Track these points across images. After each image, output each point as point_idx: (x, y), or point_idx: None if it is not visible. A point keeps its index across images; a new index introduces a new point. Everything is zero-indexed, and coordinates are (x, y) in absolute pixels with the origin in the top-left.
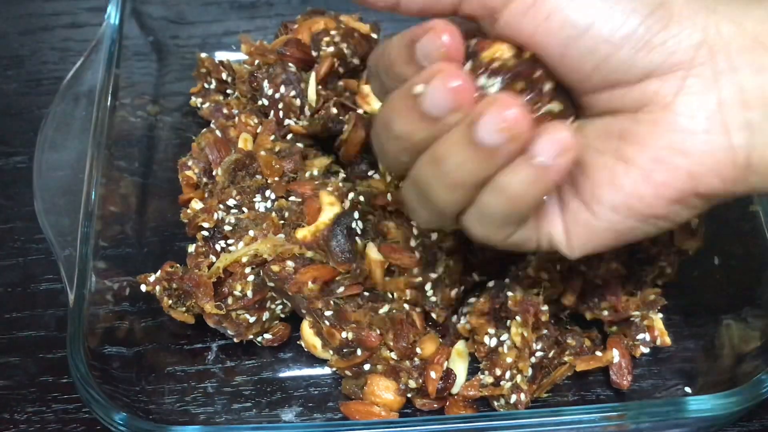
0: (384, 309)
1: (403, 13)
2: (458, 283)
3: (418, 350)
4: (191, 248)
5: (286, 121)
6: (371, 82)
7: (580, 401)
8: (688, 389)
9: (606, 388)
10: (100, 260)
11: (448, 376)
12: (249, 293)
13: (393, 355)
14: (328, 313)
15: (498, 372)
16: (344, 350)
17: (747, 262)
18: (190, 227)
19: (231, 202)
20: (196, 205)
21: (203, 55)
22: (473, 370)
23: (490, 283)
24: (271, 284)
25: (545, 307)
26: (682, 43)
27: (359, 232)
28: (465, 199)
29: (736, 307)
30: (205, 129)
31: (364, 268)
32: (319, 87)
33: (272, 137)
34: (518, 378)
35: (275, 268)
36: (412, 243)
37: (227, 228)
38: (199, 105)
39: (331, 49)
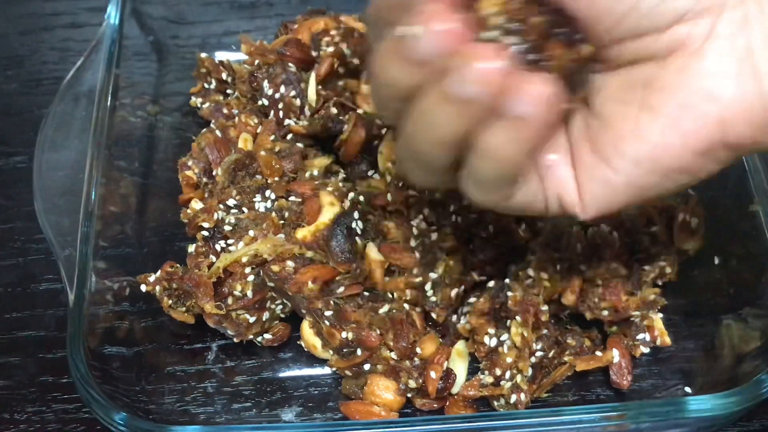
0: (384, 309)
1: None
2: (458, 283)
3: (418, 350)
4: (191, 248)
5: (286, 121)
6: (371, 36)
7: (580, 401)
8: (688, 389)
9: (606, 388)
10: (100, 260)
11: (448, 376)
12: (249, 293)
13: (393, 355)
14: (328, 313)
15: (498, 372)
16: (344, 350)
17: (747, 262)
18: (190, 227)
19: (231, 202)
20: (196, 205)
21: (203, 55)
22: (473, 370)
23: (490, 283)
24: (271, 284)
25: (545, 307)
26: None
27: (359, 232)
28: (452, 155)
29: (736, 307)
30: (205, 129)
31: (364, 268)
32: (319, 87)
33: (272, 137)
34: (518, 378)
35: (275, 268)
36: (412, 243)
37: (227, 228)
38: (199, 105)
39: (331, 49)
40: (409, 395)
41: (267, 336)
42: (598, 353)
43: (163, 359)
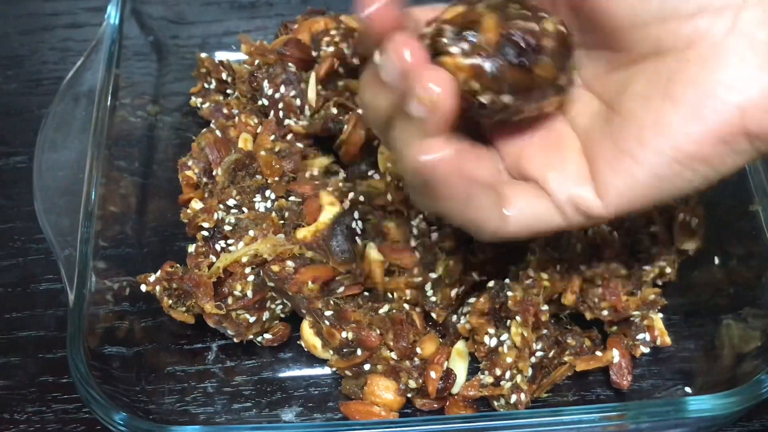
0: (384, 309)
1: None
2: (458, 283)
3: (418, 350)
4: (191, 248)
5: (286, 121)
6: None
7: (580, 401)
8: (688, 389)
9: (606, 388)
10: (100, 260)
11: (448, 376)
12: (249, 293)
13: (393, 355)
14: (328, 313)
15: (498, 372)
16: (344, 350)
17: (747, 262)
18: (190, 227)
19: (231, 202)
20: (196, 205)
21: (203, 55)
22: (473, 370)
23: (490, 283)
24: (271, 284)
25: (545, 307)
26: None
27: (359, 232)
28: None
29: (736, 307)
30: (205, 129)
31: (364, 268)
32: (319, 87)
33: (272, 137)
34: (518, 378)
35: (275, 268)
36: (412, 243)
37: (227, 228)
38: (199, 105)
39: (331, 49)
40: (409, 395)
41: (267, 336)
42: (598, 353)
43: (163, 359)
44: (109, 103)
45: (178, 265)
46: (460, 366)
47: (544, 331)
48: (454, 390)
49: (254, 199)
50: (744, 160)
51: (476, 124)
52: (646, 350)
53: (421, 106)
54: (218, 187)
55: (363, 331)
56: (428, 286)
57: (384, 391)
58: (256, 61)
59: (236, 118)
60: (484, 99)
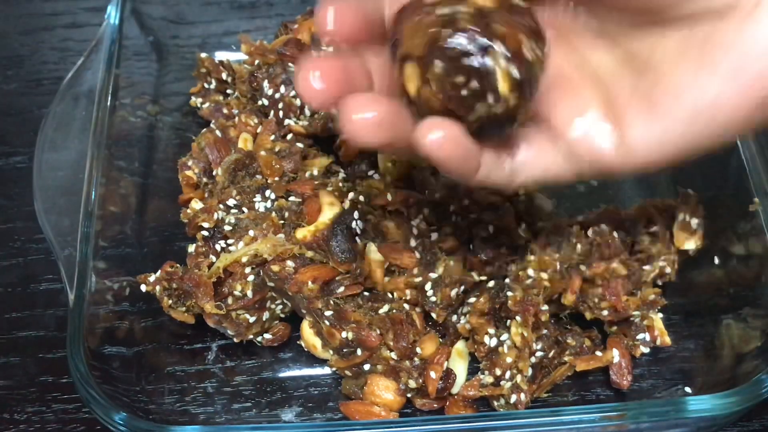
0: (384, 309)
1: None
2: (458, 283)
3: (418, 350)
4: (191, 248)
5: (286, 121)
6: None
7: (580, 401)
8: (688, 389)
9: (606, 388)
10: (100, 260)
11: (448, 376)
12: (249, 293)
13: (393, 355)
14: (328, 313)
15: (498, 372)
16: (344, 350)
17: (747, 262)
18: (190, 227)
19: (231, 202)
20: (196, 205)
21: (203, 55)
22: (473, 370)
23: (490, 283)
24: (271, 284)
25: (545, 307)
26: None
27: (359, 232)
28: None
29: (736, 307)
30: (205, 129)
31: (364, 268)
32: None
33: (272, 137)
34: (518, 378)
35: (275, 268)
36: (412, 243)
37: (227, 228)
38: (199, 105)
39: (331, 49)
40: (409, 395)
41: (267, 336)
42: (598, 353)
43: (163, 359)
44: (109, 103)
45: (178, 265)
46: (460, 366)
47: (544, 331)
48: (454, 390)
49: (254, 199)
50: None
51: None
52: (646, 350)
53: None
54: (218, 187)
55: (363, 331)
56: (428, 286)
57: (384, 391)
58: (256, 61)
59: (236, 118)
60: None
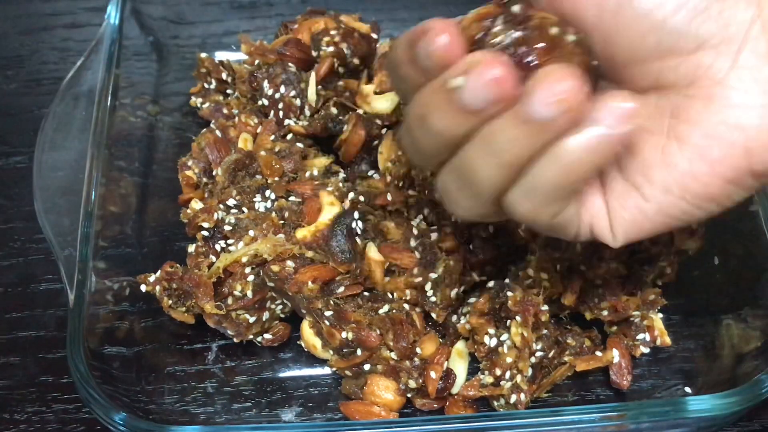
0: (384, 309)
1: None
2: (458, 283)
3: (418, 350)
4: (191, 248)
5: (286, 121)
6: (392, 81)
7: (580, 401)
8: (688, 389)
9: (606, 388)
10: (100, 260)
11: (448, 376)
12: (249, 293)
13: (393, 355)
14: (328, 313)
15: (498, 372)
16: (344, 350)
17: (747, 262)
18: (190, 227)
19: (231, 202)
20: (196, 205)
21: (203, 55)
22: (473, 370)
23: (490, 283)
24: (271, 284)
25: (545, 307)
26: (737, 17)
27: (359, 232)
28: (512, 177)
29: (736, 307)
30: (205, 129)
31: (364, 268)
32: (319, 87)
33: (272, 137)
34: (518, 378)
35: (275, 268)
36: (412, 243)
37: (227, 228)
38: (199, 105)
39: (331, 49)
40: (409, 395)
41: (267, 336)
42: (598, 353)
43: (163, 359)
44: (109, 103)
45: (178, 265)
46: (460, 366)
47: (544, 331)
48: (454, 390)
49: (254, 199)
50: (749, 193)
51: None
52: (646, 350)
53: (552, 107)
54: (218, 187)
55: (363, 331)
56: (428, 286)
57: (384, 391)
58: (256, 61)
59: (236, 118)
60: None
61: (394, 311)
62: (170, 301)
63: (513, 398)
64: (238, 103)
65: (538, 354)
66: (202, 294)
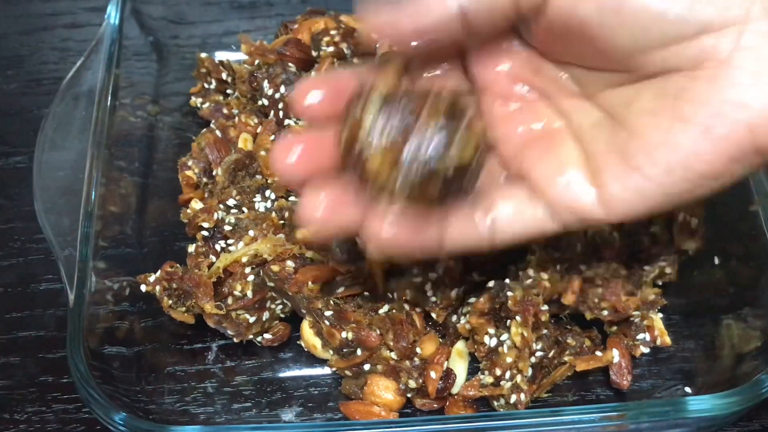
0: (384, 309)
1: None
2: (458, 283)
3: (418, 350)
4: (191, 248)
5: (286, 121)
6: None
7: (580, 401)
8: (688, 389)
9: (606, 388)
10: (100, 260)
11: (448, 376)
12: (249, 293)
13: (393, 355)
14: (328, 313)
15: (498, 372)
16: (344, 350)
17: (747, 262)
18: (190, 227)
19: (231, 202)
20: (196, 205)
21: (203, 55)
22: (473, 370)
23: (490, 283)
24: (271, 284)
25: (545, 307)
26: None
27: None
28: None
29: (736, 307)
30: (205, 129)
31: (364, 268)
32: None
33: (272, 137)
34: (518, 378)
35: (275, 268)
36: None
37: (227, 228)
38: (199, 105)
39: (331, 49)
40: (409, 395)
41: (267, 336)
42: (598, 353)
43: (163, 359)
44: (109, 103)
45: (178, 265)
46: (460, 366)
47: (544, 331)
48: (454, 390)
49: (254, 199)
50: (752, 170)
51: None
52: (646, 350)
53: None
54: (218, 187)
55: (363, 331)
56: (428, 286)
57: (384, 391)
58: (256, 61)
59: (236, 118)
60: None
61: (394, 311)
62: (170, 301)
63: (513, 398)
64: (238, 103)
65: (538, 354)
66: (202, 294)
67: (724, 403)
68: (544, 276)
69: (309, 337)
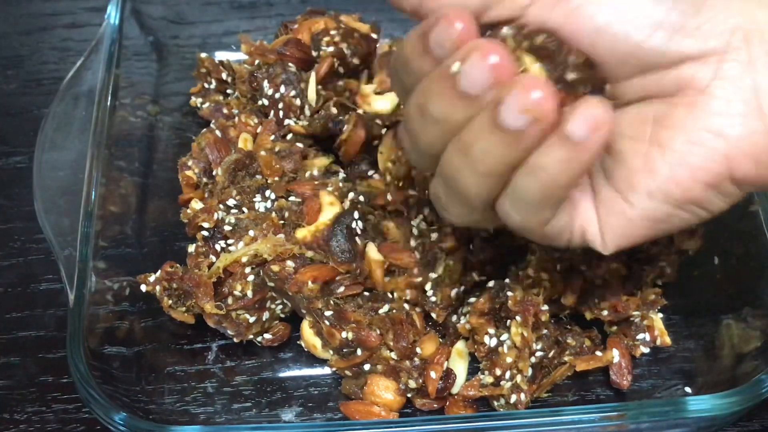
0: (384, 309)
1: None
2: (458, 283)
3: (418, 350)
4: (191, 248)
5: (286, 121)
6: (393, 85)
7: (580, 401)
8: (688, 389)
9: (606, 388)
10: (100, 260)
11: (448, 376)
12: (249, 293)
13: (393, 355)
14: (328, 313)
15: (498, 372)
16: (344, 350)
17: (747, 262)
18: (190, 227)
19: (231, 202)
20: (196, 205)
21: (203, 55)
22: (473, 370)
23: (490, 283)
24: (271, 284)
25: (545, 307)
26: (717, 28)
27: (359, 232)
28: (495, 186)
29: (736, 307)
30: (205, 129)
31: (364, 268)
32: (319, 87)
33: (272, 137)
34: (518, 378)
35: (275, 268)
36: (412, 243)
37: (227, 228)
38: (199, 105)
39: (331, 49)
40: (409, 395)
41: (267, 336)
42: (598, 353)
43: (163, 359)
44: (109, 103)
45: (178, 265)
46: (460, 366)
47: (544, 331)
48: (454, 390)
49: (254, 199)
50: (732, 200)
51: None
52: (646, 350)
53: (522, 115)
54: (218, 187)
55: (363, 331)
56: (428, 286)
57: (384, 391)
58: (256, 61)
59: (236, 118)
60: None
61: (394, 311)
62: (170, 301)
63: (513, 398)
64: (238, 103)
65: (538, 354)
66: (202, 294)
67: (724, 403)
68: (544, 276)
69: (309, 337)
